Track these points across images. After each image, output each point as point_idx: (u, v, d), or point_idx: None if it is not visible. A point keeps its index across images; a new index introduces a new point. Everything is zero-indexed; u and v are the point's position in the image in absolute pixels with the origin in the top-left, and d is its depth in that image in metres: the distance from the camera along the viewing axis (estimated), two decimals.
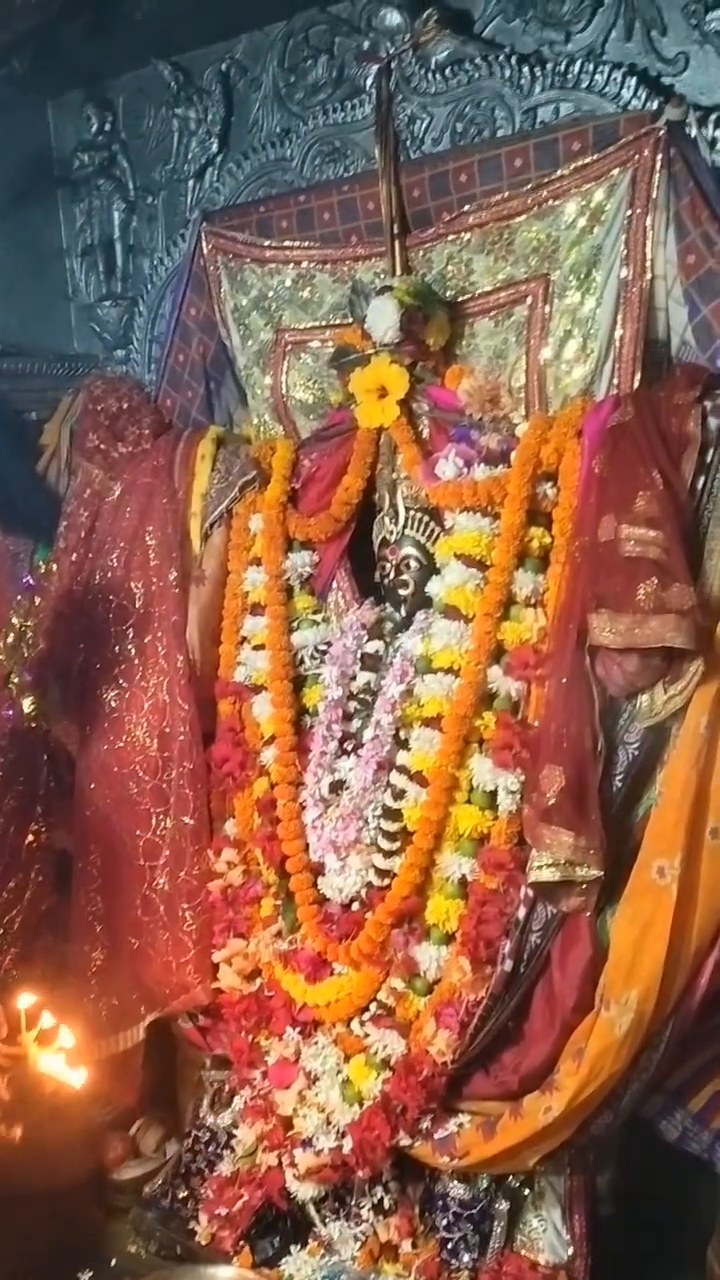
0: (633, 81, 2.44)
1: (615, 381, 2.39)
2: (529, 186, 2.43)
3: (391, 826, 2.44)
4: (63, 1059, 2.25)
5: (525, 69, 2.58)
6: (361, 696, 2.63)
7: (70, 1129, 2.88)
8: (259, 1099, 2.57)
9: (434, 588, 2.52)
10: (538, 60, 2.59)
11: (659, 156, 2.28)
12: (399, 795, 2.44)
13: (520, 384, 2.51)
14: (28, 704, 2.82)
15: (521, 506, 2.36)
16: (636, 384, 2.35)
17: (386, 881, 2.44)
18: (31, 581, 2.99)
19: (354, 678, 2.65)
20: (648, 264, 2.32)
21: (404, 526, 2.62)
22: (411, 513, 2.61)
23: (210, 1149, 2.75)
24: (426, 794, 2.38)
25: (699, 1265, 2.36)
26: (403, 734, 2.49)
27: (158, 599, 2.83)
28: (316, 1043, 2.52)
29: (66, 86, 3.52)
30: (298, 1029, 2.56)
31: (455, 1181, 2.44)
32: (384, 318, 2.52)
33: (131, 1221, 2.70)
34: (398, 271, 2.62)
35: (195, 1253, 2.57)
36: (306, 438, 2.91)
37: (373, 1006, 2.46)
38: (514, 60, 2.60)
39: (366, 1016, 2.46)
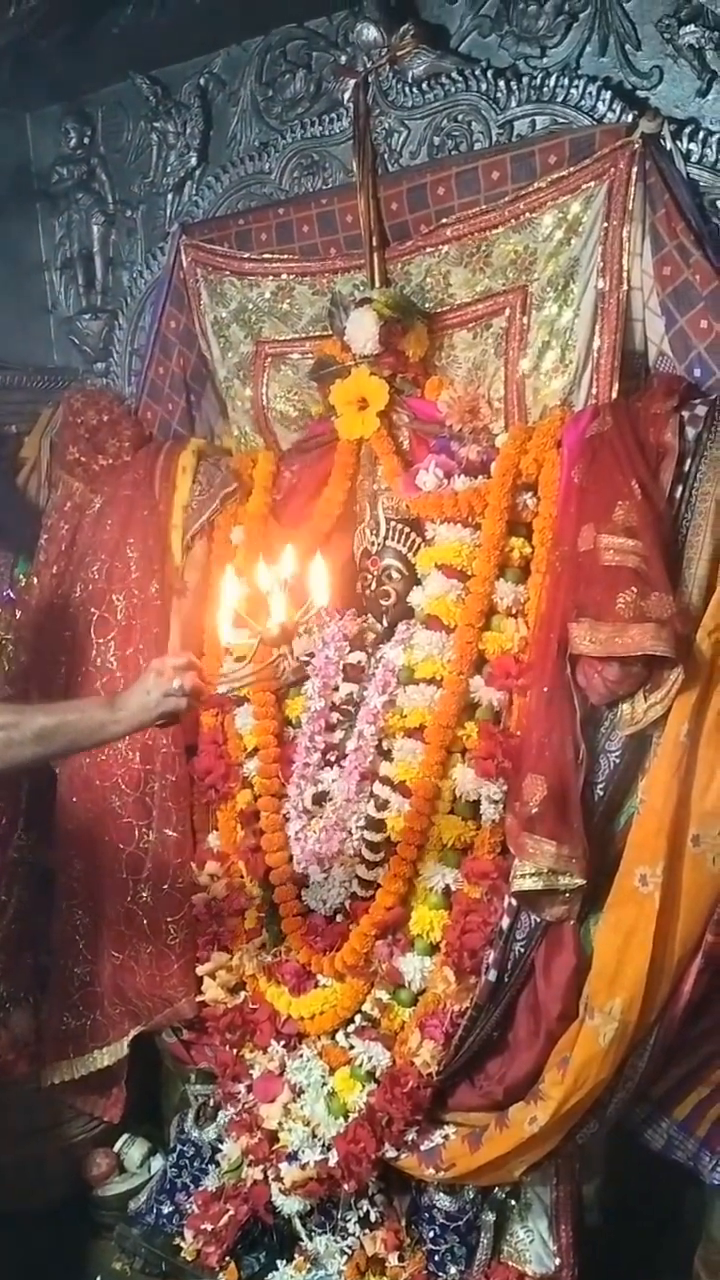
0: (608, 95, 2.45)
1: (593, 392, 2.41)
2: (506, 199, 2.45)
3: (375, 837, 2.44)
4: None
5: (501, 83, 2.59)
6: (344, 707, 2.63)
7: (55, 1145, 2.88)
8: (244, 1113, 2.56)
9: (415, 598, 2.53)
10: (514, 74, 2.60)
11: (634, 169, 2.30)
12: (382, 806, 2.44)
13: (499, 395, 2.52)
14: None
15: (502, 517, 2.38)
16: (615, 394, 2.37)
17: (370, 892, 2.45)
18: (12, 595, 2.99)
19: (336, 689, 2.65)
20: (624, 275, 2.34)
21: (385, 537, 2.63)
22: (392, 524, 2.62)
23: (195, 1164, 2.74)
24: (409, 804, 2.38)
25: (686, 1274, 2.36)
26: (385, 744, 2.49)
27: (139, 611, 2.82)
28: (301, 1055, 2.51)
29: (45, 100, 3.52)
30: (282, 1042, 2.56)
31: (441, 1193, 2.44)
32: (363, 330, 2.53)
33: (116, 1238, 2.69)
34: (377, 284, 2.64)
35: (180, 1269, 2.56)
36: (287, 449, 2.92)
37: (357, 1018, 2.46)
38: (490, 74, 2.61)
39: (351, 1028, 2.46)
